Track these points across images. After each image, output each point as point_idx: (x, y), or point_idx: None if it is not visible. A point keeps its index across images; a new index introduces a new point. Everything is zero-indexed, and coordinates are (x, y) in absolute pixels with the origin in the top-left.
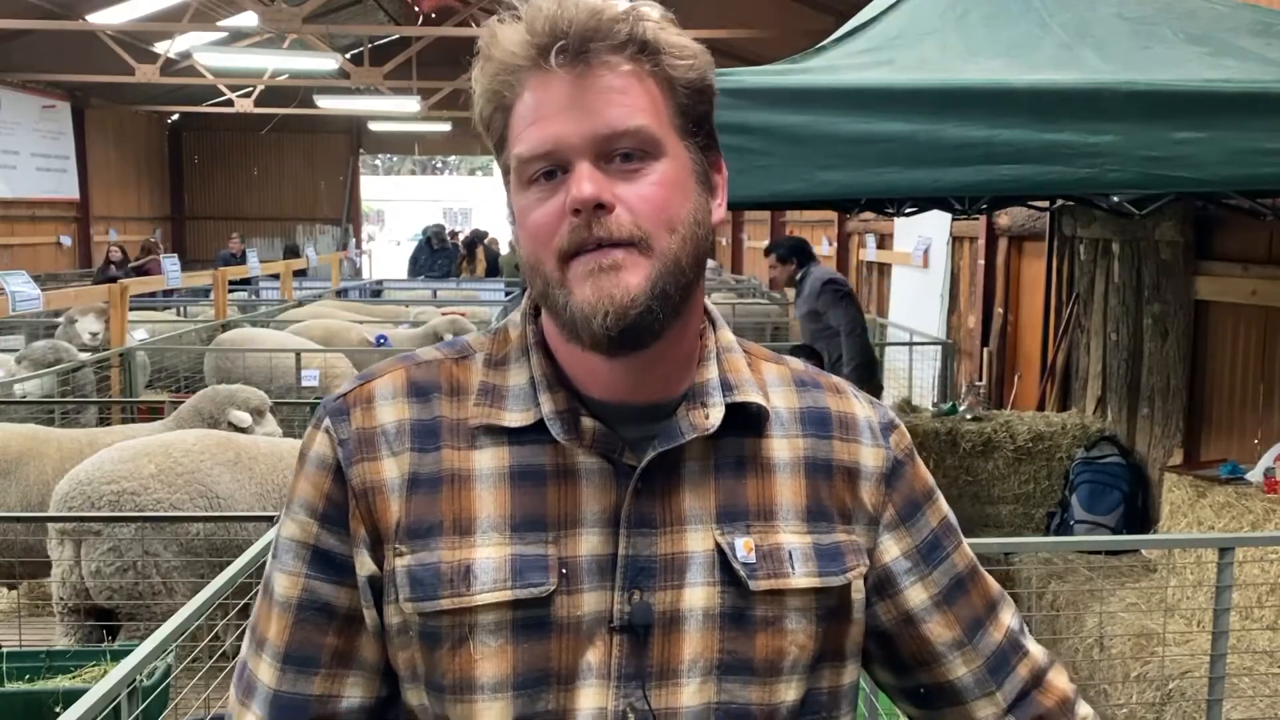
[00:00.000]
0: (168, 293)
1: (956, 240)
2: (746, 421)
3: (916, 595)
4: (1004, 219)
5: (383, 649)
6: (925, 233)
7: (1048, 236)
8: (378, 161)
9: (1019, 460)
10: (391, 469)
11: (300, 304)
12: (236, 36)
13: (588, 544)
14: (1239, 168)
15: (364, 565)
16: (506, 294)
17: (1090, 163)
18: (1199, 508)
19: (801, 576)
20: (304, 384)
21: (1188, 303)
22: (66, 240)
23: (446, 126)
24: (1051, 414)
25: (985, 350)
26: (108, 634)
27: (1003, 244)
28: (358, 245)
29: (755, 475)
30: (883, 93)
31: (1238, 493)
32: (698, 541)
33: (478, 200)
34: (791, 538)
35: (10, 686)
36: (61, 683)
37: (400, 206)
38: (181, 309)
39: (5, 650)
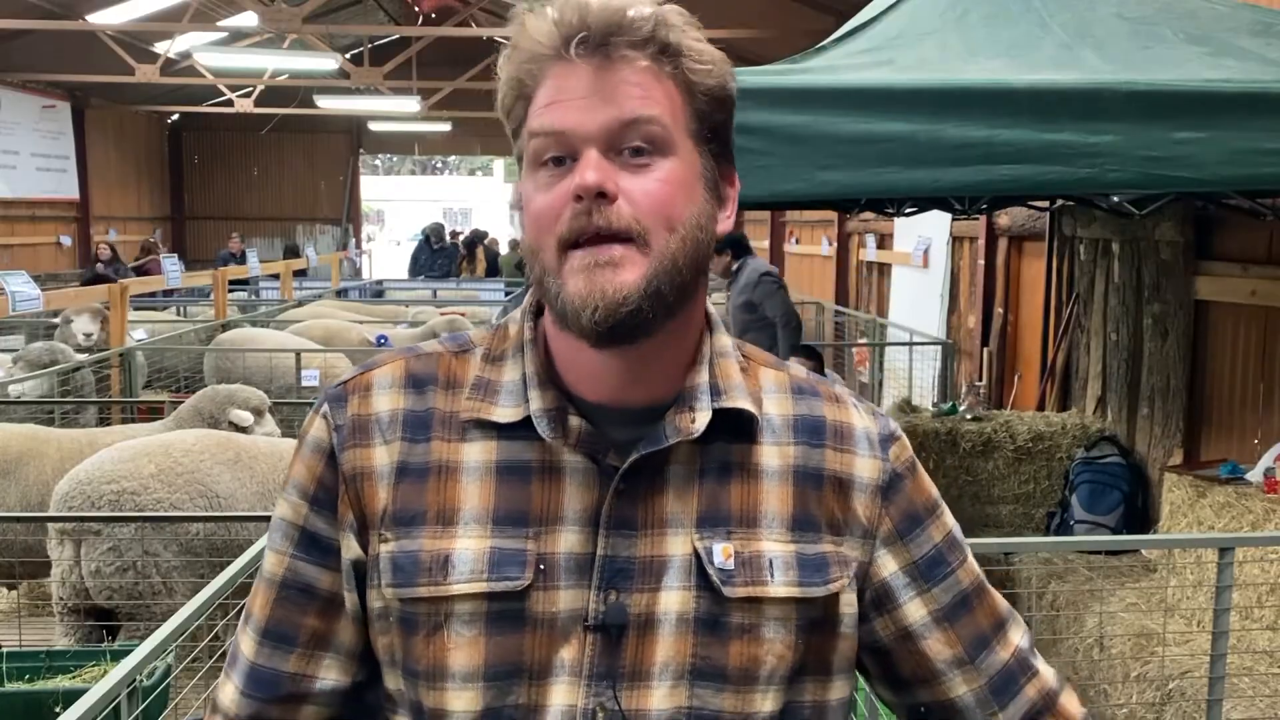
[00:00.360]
0: (168, 293)
1: (956, 240)
2: (736, 427)
3: (915, 611)
4: (1004, 219)
5: (361, 634)
6: (925, 233)
7: (1048, 236)
8: (378, 161)
9: (1019, 460)
10: (382, 456)
11: (300, 304)
12: (236, 36)
13: (567, 542)
14: (1239, 168)
15: (350, 549)
16: (506, 294)
17: (1090, 163)
18: (1199, 508)
19: (780, 585)
20: (304, 384)
21: (1188, 303)
22: (66, 240)
23: (446, 126)
24: (1051, 414)
25: (985, 350)
26: (108, 634)
27: (1003, 244)
28: (358, 245)
29: (741, 481)
30: (883, 93)
31: (1238, 493)
32: (677, 545)
33: (478, 200)
34: (774, 546)
35: (10, 686)
36: (61, 683)
37: (400, 206)
38: (181, 309)
39: (5, 650)
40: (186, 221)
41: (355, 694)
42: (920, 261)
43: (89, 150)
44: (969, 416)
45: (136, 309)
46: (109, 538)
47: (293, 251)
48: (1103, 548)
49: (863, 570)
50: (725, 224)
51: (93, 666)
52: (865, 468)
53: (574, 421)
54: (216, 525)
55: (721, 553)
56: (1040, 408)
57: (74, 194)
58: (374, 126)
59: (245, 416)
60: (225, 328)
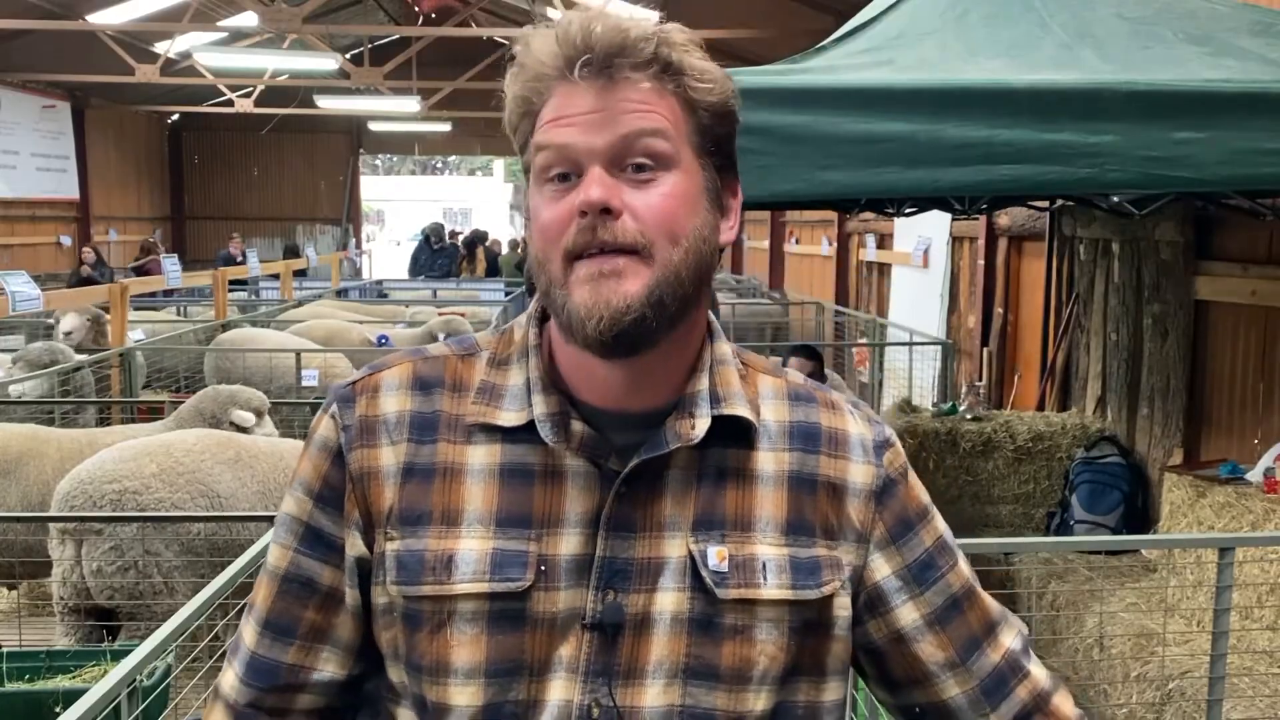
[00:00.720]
0: (167, 293)
1: (956, 240)
2: (734, 433)
3: (907, 614)
4: (1004, 219)
5: (360, 629)
6: (925, 233)
7: (1048, 236)
8: (378, 161)
9: (1019, 460)
10: (389, 457)
11: (300, 304)
12: (236, 36)
13: (568, 544)
14: (1239, 168)
15: (354, 546)
16: (506, 294)
17: (1090, 163)
18: (1199, 508)
19: (773, 588)
20: (304, 384)
21: (1188, 303)
22: (66, 240)
23: (446, 126)
24: (1051, 414)
25: (985, 350)
26: (108, 634)
27: (1003, 244)
28: (358, 245)
29: (736, 486)
30: (883, 93)
31: (1238, 493)
32: (673, 548)
33: (478, 200)
34: (767, 549)
35: (10, 686)
36: (61, 683)
37: (400, 206)
38: (181, 309)
39: (5, 650)
40: (186, 221)
41: (350, 685)
42: (920, 261)
43: (89, 150)
44: (969, 416)
45: (136, 309)
46: (110, 537)
47: (293, 251)
48: (1103, 548)
49: (856, 574)
50: (729, 234)
51: (93, 666)
52: (859, 473)
53: (576, 426)
54: (217, 525)
55: (716, 555)
56: (1040, 408)
57: (74, 194)
58: (374, 126)
59: (248, 417)
60: (225, 328)
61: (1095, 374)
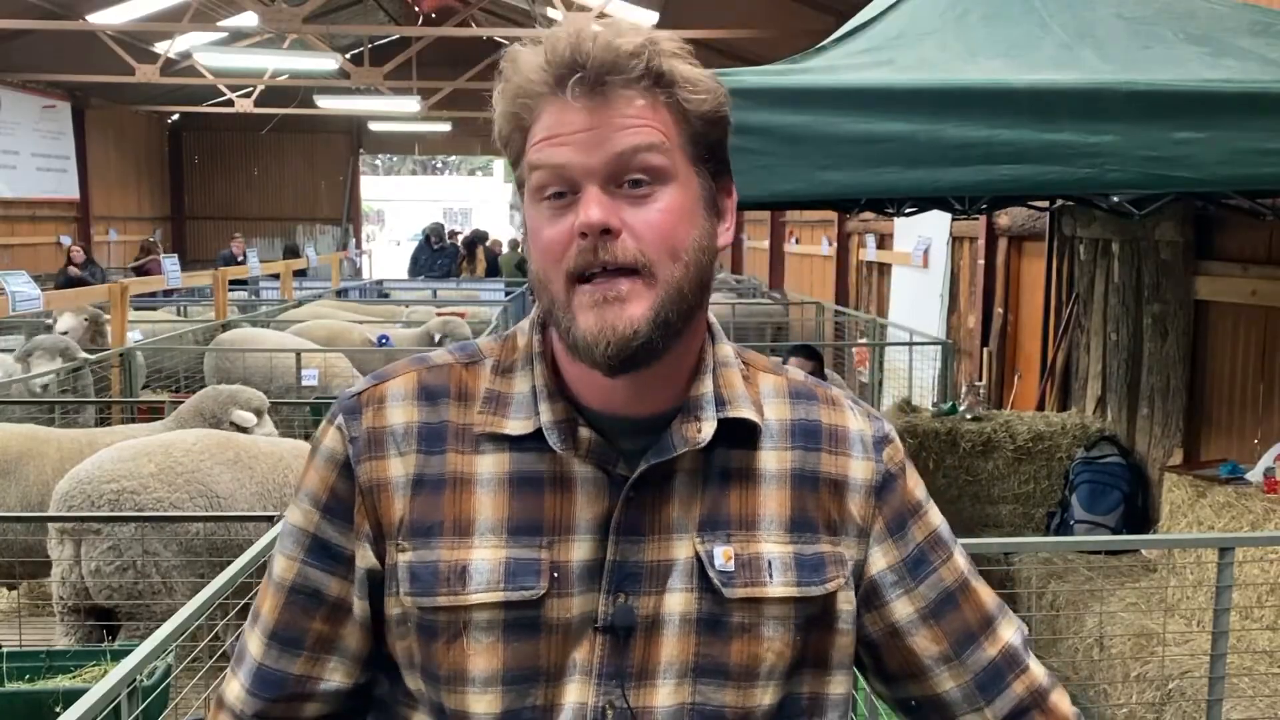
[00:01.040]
0: (167, 293)
1: (956, 240)
2: (738, 434)
3: (902, 608)
4: (1004, 219)
5: (368, 639)
6: (925, 233)
7: (1048, 236)
8: (378, 161)
9: (1019, 460)
10: (398, 468)
11: (300, 304)
12: (236, 36)
13: (580, 550)
14: (1239, 168)
15: (365, 558)
16: (506, 294)
17: (1090, 163)
18: (1199, 508)
19: (779, 585)
20: (304, 384)
21: (1188, 303)
22: (66, 240)
23: (446, 126)
24: (1051, 414)
25: (985, 350)
26: (108, 634)
27: (1003, 244)
28: (358, 245)
29: (741, 486)
30: (883, 93)
31: (1238, 493)
32: (681, 549)
33: (477, 200)
34: (773, 547)
35: (10, 686)
36: (61, 683)
37: (400, 206)
38: (181, 309)
39: (5, 650)
40: (186, 221)
41: (356, 693)
42: (920, 261)
43: (89, 150)
44: (969, 416)
45: (136, 309)
46: (109, 537)
47: (293, 251)
48: (1103, 548)
49: (858, 568)
50: (726, 237)
51: (93, 666)
52: (859, 469)
53: (583, 433)
54: (216, 525)
55: (722, 555)
56: (1040, 408)
57: (74, 194)
58: (374, 126)
59: (248, 417)
60: (225, 328)
61: (1095, 374)
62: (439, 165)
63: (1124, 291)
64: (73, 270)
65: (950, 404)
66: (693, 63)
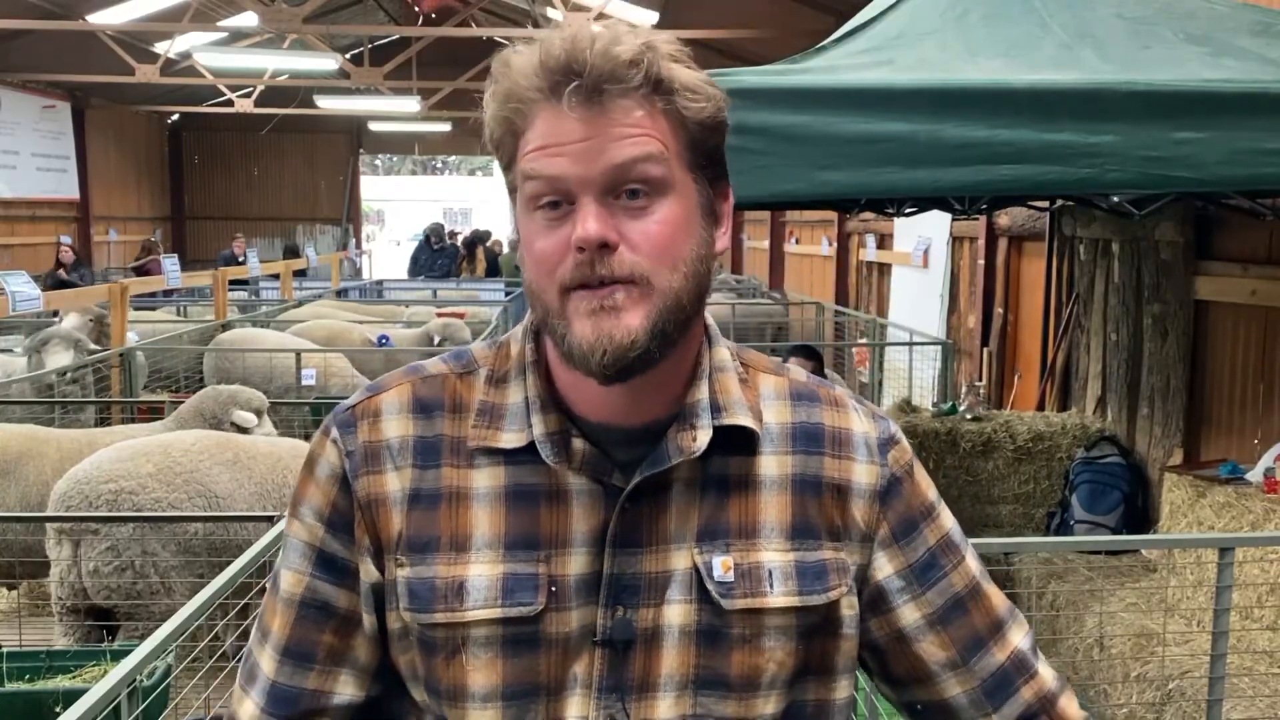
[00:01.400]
0: (167, 293)
1: (956, 240)
2: (735, 441)
3: (909, 614)
4: (1004, 219)
5: (377, 651)
6: (925, 233)
7: (1048, 236)
8: (378, 161)
9: (1019, 460)
10: (394, 483)
11: (300, 304)
12: (236, 36)
13: (577, 563)
14: (1239, 168)
15: (369, 573)
16: (506, 294)
17: (1090, 163)
18: (1199, 508)
19: (780, 595)
20: (303, 383)
21: (1188, 303)
22: (66, 240)
23: (446, 126)
24: (1051, 414)
25: (985, 350)
26: (107, 634)
27: (1003, 244)
28: (358, 245)
29: (740, 494)
30: (883, 93)
31: (1238, 493)
32: (679, 560)
33: (477, 200)
34: (773, 556)
35: (10, 686)
36: (61, 683)
37: (400, 206)
38: (181, 309)
39: (5, 650)
40: (186, 221)
41: (367, 706)
42: (920, 261)
43: (89, 150)
44: (969, 416)
45: (136, 309)
46: (107, 537)
47: (292, 251)
48: (1103, 548)
49: (861, 573)
50: (722, 241)
51: (93, 666)
52: (863, 474)
53: (577, 445)
54: (215, 525)
55: (721, 566)
56: (1040, 408)
57: (74, 194)
58: (374, 126)
59: (249, 418)
60: (225, 328)
61: (1095, 374)
62: (439, 165)
63: (1124, 291)
64: (59, 273)
65: (950, 404)
66: (691, 66)
